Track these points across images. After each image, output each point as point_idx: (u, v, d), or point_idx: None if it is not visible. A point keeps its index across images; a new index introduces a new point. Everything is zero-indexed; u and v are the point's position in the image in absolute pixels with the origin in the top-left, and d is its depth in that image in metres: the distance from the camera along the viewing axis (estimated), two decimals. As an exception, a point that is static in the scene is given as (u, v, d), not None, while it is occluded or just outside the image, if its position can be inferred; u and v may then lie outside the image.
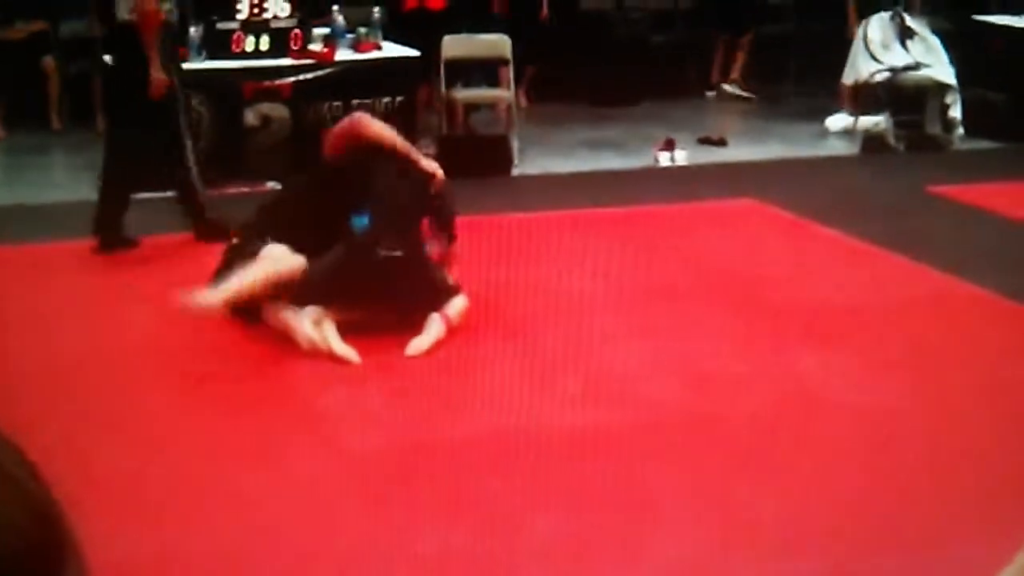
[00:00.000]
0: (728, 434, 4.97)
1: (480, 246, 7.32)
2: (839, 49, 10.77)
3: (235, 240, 6.21)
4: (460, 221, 7.75)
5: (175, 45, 7.72)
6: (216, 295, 5.83)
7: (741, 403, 5.25)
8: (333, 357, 5.67)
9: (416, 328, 5.83)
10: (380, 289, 5.87)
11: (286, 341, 5.79)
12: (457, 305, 5.94)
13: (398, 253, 5.95)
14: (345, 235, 6.04)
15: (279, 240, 5.98)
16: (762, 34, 12.76)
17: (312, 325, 5.73)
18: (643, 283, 6.69)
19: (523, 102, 10.73)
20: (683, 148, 9.66)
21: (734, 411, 5.18)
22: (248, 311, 5.92)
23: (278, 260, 5.92)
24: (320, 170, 6.36)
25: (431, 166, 6.40)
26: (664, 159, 9.58)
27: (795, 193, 8.39)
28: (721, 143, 10.17)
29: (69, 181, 9.46)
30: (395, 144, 6.27)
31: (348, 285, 5.88)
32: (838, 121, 10.43)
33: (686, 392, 5.37)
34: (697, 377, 5.51)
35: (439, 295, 5.96)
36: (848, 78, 10.63)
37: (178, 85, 7.35)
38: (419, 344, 5.80)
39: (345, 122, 6.35)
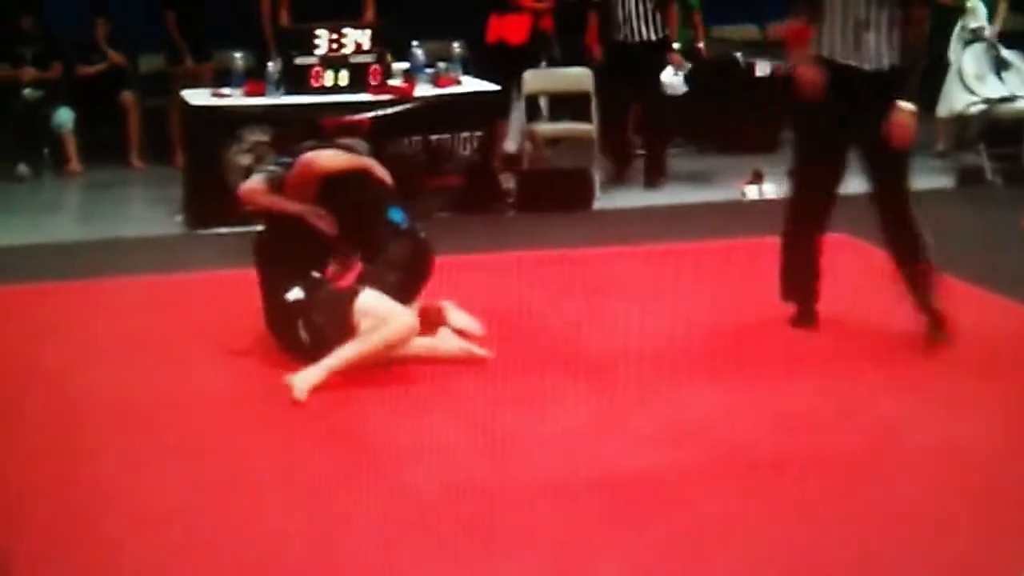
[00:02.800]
0: (806, 476, 4.73)
1: (559, 280, 7.19)
2: (933, 81, 10.49)
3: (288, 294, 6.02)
4: (539, 255, 7.65)
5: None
6: (320, 373, 5.58)
7: (820, 445, 5.01)
8: (471, 358, 5.85)
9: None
10: (430, 269, 6.06)
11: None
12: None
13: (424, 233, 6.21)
14: (398, 232, 6.06)
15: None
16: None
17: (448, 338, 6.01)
18: (723, 320, 6.49)
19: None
20: (771, 181, 9.42)
21: (813, 453, 4.94)
22: None
23: (396, 322, 5.73)
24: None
25: (386, 175, 6.34)
26: (751, 192, 9.36)
27: (887, 228, 8.10)
28: (812, 176, 9.89)
29: (145, 216, 9.44)
30: (351, 166, 6.15)
31: (418, 274, 6.02)
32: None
33: (763, 433, 5.14)
34: (775, 418, 5.28)
35: None
36: (943, 110, 10.38)
37: None
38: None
39: (295, 169, 6.09)
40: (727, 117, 10.90)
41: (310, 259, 6.00)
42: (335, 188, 6.05)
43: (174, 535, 4.33)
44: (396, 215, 6.13)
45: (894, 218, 6.18)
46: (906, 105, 5.89)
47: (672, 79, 10.04)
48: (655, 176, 9.90)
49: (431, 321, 6.11)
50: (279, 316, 5.93)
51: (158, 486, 4.70)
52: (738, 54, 11.31)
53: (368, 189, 6.17)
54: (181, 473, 4.83)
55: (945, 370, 5.75)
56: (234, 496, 4.65)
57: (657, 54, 9.88)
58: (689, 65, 10.35)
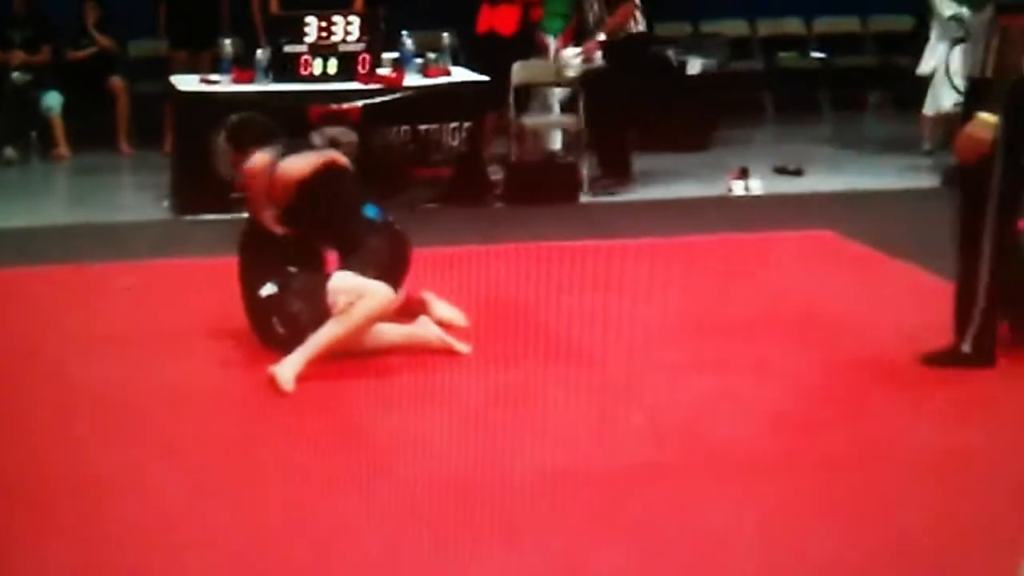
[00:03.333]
0: (797, 476, 4.73)
1: (547, 273, 7.17)
2: (920, 80, 10.53)
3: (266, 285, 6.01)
4: (527, 248, 7.66)
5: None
6: (302, 358, 5.55)
7: (811, 444, 5.01)
8: (449, 350, 5.84)
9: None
10: (408, 261, 6.10)
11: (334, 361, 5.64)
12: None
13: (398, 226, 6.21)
14: (374, 227, 6.06)
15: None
16: (840, 65, 12.60)
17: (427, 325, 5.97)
18: (712, 316, 6.48)
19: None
20: (758, 177, 9.44)
21: (804, 452, 4.94)
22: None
23: (372, 297, 5.73)
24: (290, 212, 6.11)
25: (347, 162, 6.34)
26: (738, 188, 9.38)
27: (873, 226, 8.13)
28: (797, 173, 9.94)
29: (133, 201, 9.43)
30: (318, 164, 6.08)
31: (397, 266, 6.02)
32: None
33: (754, 431, 5.13)
34: (765, 416, 5.27)
35: None
36: (929, 109, 10.41)
37: None
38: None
39: (270, 177, 5.99)
40: (658, 115, 10.76)
41: (287, 255, 5.98)
42: (308, 191, 5.98)
43: (159, 529, 4.31)
44: (371, 211, 6.13)
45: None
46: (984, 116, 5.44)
47: (573, 60, 9.78)
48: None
49: (415, 312, 6.11)
50: (255, 312, 5.94)
51: (145, 480, 4.67)
52: (669, 52, 11.25)
53: (340, 187, 6.13)
54: (167, 467, 4.80)
55: (938, 371, 5.73)
56: (221, 491, 4.62)
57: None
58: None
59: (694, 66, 10.59)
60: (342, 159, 6.25)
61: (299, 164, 6.02)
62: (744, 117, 12.07)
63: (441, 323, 6.09)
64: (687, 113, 11.02)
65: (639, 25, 9.72)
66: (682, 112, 10.99)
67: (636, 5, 9.65)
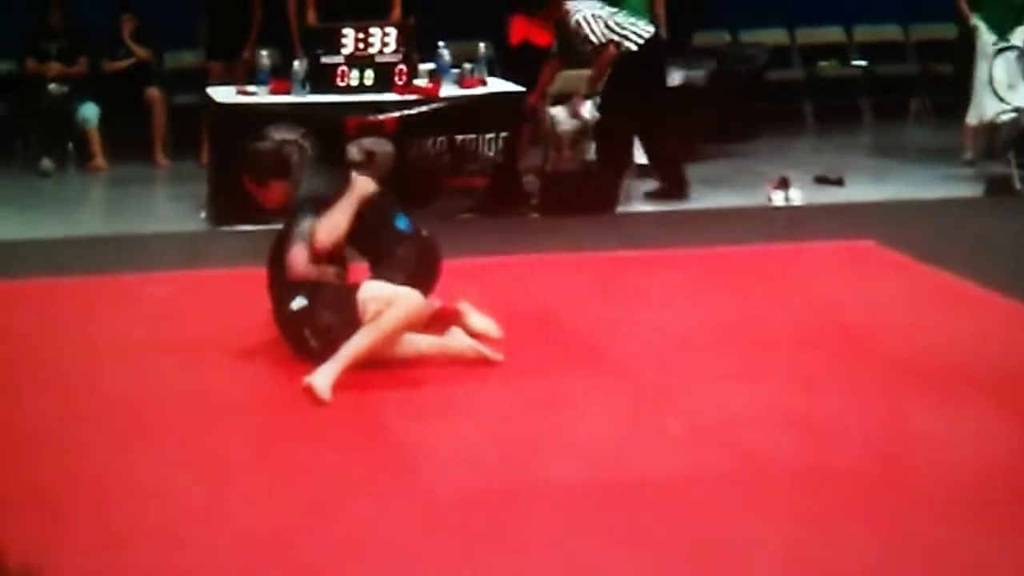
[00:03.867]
0: (832, 487, 4.65)
1: (582, 283, 7.14)
2: (963, 89, 10.42)
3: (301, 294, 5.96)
4: (562, 258, 7.61)
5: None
6: (337, 367, 5.53)
7: (848, 455, 4.92)
8: (482, 359, 5.81)
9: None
10: (438, 269, 6.13)
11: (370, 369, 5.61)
12: None
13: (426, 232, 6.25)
14: (403, 238, 6.09)
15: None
16: (881, 73, 12.51)
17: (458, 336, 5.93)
18: (750, 326, 6.41)
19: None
20: (798, 187, 9.35)
21: (840, 463, 4.86)
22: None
23: (403, 303, 5.70)
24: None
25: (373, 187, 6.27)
26: (778, 198, 9.28)
27: (915, 236, 8.03)
28: (838, 183, 9.84)
29: (169, 212, 9.43)
30: (354, 211, 6.02)
31: (427, 274, 6.04)
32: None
33: (790, 442, 5.05)
34: (803, 426, 5.20)
35: None
36: (972, 118, 10.30)
37: None
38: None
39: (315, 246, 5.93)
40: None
41: None
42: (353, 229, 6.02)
43: (187, 537, 4.30)
44: (401, 222, 6.16)
45: None
46: None
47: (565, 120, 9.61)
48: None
49: (449, 323, 6.08)
50: (287, 326, 5.92)
51: (174, 489, 4.65)
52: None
53: (373, 208, 6.12)
54: (199, 477, 4.78)
55: (975, 382, 5.64)
56: (253, 500, 4.60)
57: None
58: None
59: (674, 78, 10.43)
60: (368, 186, 6.17)
61: (339, 222, 5.96)
62: (784, 126, 11.98)
63: (475, 334, 6.04)
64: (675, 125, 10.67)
65: (640, 40, 9.34)
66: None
67: (615, 49, 9.28)
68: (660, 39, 9.50)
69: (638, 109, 9.22)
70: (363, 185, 6.13)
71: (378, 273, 5.95)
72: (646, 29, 9.24)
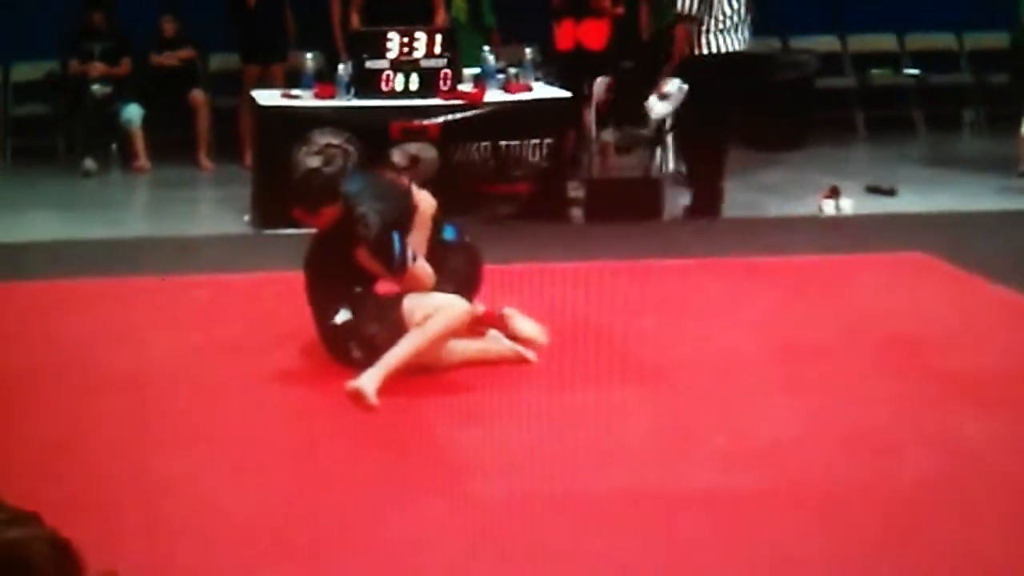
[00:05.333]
0: (881, 503, 4.53)
1: (626, 291, 7.03)
2: (1018, 99, 10.24)
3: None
4: (606, 266, 7.50)
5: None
6: (383, 371, 5.49)
7: (896, 471, 4.81)
8: (522, 360, 5.86)
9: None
10: (480, 276, 6.19)
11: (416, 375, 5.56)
12: None
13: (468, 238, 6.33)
14: (451, 249, 6.13)
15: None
16: (934, 82, 12.33)
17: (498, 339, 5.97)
18: (798, 338, 6.29)
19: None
20: (849, 196, 9.19)
21: (888, 479, 4.74)
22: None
23: (448, 310, 5.68)
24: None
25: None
26: (829, 207, 9.13)
27: (968, 248, 7.87)
28: (891, 193, 9.68)
29: (213, 214, 9.39)
30: (428, 221, 6.13)
31: (471, 282, 6.10)
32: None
33: (837, 457, 4.94)
34: (850, 441, 5.08)
35: None
36: (1028, 128, 10.12)
37: None
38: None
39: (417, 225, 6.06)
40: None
41: (353, 274, 5.85)
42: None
43: (235, 539, 4.27)
44: (448, 232, 6.19)
45: None
46: None
47: (657, 103, 9.38)
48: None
49: (491, 328, 6.05)
50: (331, 340, 5.87)
51: (218, 493, 4.64)
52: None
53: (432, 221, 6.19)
54: (243, 478, 4.77)
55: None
56: (298, 503, 4.57)
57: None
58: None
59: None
60: (431, 203, 6.17)
61: (421, 249, 5.96)
62: (835, 134, 11.83)
63: (522, 339, 6.01)
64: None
65: (710, 47, 9.08)
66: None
67: (691, 25, 9.01)
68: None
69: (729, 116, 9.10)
70: (428, 202, 6.15)
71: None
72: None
